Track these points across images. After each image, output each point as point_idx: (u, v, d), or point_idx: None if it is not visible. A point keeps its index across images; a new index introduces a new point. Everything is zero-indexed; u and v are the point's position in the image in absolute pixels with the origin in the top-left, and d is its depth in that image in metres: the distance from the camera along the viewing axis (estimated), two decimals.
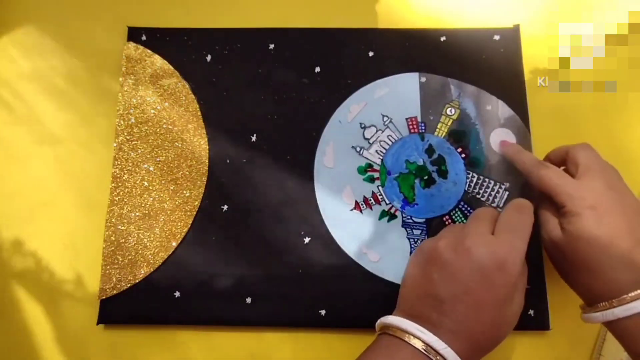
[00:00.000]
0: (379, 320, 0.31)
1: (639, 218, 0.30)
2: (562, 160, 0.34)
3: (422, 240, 0.38)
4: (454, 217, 0.38)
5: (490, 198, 0.39)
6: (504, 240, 0.30)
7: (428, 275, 0.30)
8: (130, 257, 0.38)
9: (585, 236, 0.30)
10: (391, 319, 0.30)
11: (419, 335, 0.28)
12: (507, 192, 0.39)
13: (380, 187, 0.39)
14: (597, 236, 0.29)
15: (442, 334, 0.28)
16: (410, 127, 0.40)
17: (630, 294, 0.28)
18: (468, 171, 0.39)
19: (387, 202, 0.39)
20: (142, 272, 0.38)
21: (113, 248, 0.38)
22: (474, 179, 0.39)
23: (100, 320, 0.37)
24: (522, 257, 0.30)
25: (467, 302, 0.28)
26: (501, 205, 0.38)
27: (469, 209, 0.38)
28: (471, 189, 0.39)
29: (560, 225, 0.31)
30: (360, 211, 0.39)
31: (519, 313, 0.31)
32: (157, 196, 0.39)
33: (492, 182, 0.39)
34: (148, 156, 0.40)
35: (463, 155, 0.39)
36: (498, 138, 0.40)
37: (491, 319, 0.29)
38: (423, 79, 0.41)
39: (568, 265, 0.32)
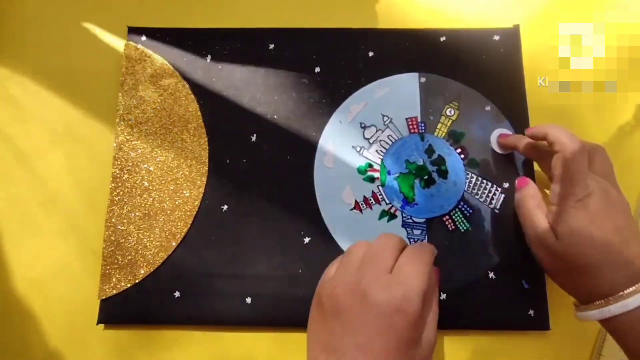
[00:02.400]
0: None
1: (625, 215, 0.31)
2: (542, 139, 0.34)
3: (422, 240, 0.38)
4: (453, 217, 0.38)
5: (488, 199, 0.39)
6: (401, 278, 0.28)
7: (329, 327, 0.29)
8: (130, 257, 0.38)
9: (577, 237, 0.30)
10: None
11: None
12: (503, 195, 0.39)
13: (380, 187, 0.39)
14: (590, 237, 0.30)
15: None
16: (411, 127, 0.40)
17: (626, 291, 0.29)
18: (467, 172, 0.39)
19: (387, 202, 0.39)
20: (142, 272, 0.38)
21: (113, 248, 0.38)
22: (473, 180, 0.39)
23: (100, 320, 0.38)
24: (419, 293, 0.28)
25: (370, 351, 0.27)
26: (498, 206, 0.38)
27: (468, 209, 0.38)
28: (470, 189, 0.39)
29: (552, 227, 0.32)
30: (360, 211, 0.39)
31: (432, 347, 0.30)
32: (157, 196, 0.39)
33: (490, 184, 0.39)
34: (148, 156, 0.40)
35: (462, 156, 0.39)
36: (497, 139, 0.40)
37: None
38: (423, 79, 0.41)
39: (559, 266, 0.32)
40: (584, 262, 0.30)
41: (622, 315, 0.29)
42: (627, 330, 0.29)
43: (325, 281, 0.31)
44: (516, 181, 0.36)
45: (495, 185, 0.39)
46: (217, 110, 0.41)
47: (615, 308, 0.29)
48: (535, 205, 0.33)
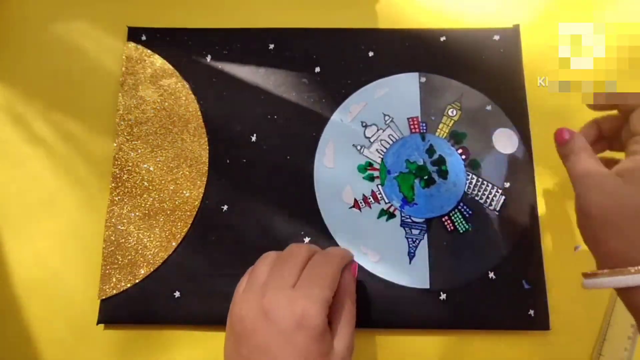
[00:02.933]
0: None
1: None
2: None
3: (421, 240, 0.38)
4: (453, 217, 0.38)
5: (488, 201, 0.39)
6: (302, 293, 0.28)
7: (239, 351, 0.28)
8: (130, 257, 0.38)
9: None
10: None
11: None
12: (503, 197, 0.39)
13: (379, 186, 0.39)
14: None
15: None
16: (412, 127, 0.40)
17: None
18: (468, 172, 0.39)
19: (387, 201, 0.39)
20: (142, 272, 0.38)
21: (113, 248, 0.38)
22: (473, 181, 0.39)
23: (100, 320, 0.38)
24: (322, 304, 0.28)
25: None
26: (498, 208, 0.38)
27: (468, 210, 0.38)
28: (470, 191, 0.39)
29: (620, 172, 0.29)
30: (359, 209, 0.39)
31: (348, 352, 0.29)
32: (157, 196, 0.39)
33: (490, 185, 0.39)
34: (148, 156, 0.40)
35: (463, 157, 0.39)
36: (499, 139, 0.40)
37: None
38: (423, 79, 0.41)
39: (612, 213, 0.28)
40: None
41: None
42: None
43: (235, 301, 0.31)
44: (555, 135, 0.33)
45: (495, 187, 0.39)
46: (217, 110, 0.41)
47: None
48: (590, 155, 0.31)
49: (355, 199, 0.39)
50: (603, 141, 0.34)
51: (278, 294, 0.28)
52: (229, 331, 0.30)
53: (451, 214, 0.38)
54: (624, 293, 0.28)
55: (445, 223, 0.38)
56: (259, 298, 0.28)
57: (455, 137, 0.40)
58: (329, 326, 0.29)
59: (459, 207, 0.38)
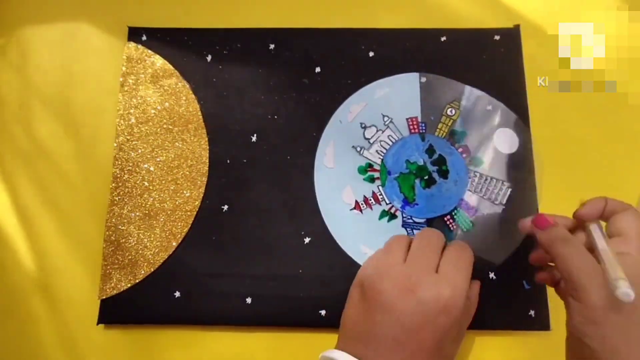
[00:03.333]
0: (322, 355, 0.30)
1: None
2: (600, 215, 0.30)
3: None
4: (455, 216, 0.38)
5: (493, 196, 0.39)
6: (448, 280, 0.29)
7: (371, 317, 0.29)
8: (130, 257, 0.38)
9: None
10: (335, 354, 0.29)
11: None
12: (510, 190, 0.39)
13: (380, 187, 0.39)
14: None
15: None
16: (411, 127, 0.40)
17: None
18: (469, 171, 0.39)
19: (387, 202, 0.39)
20: (143, 272, 0.38)
21: (113, 248, 0.38)
22: (475, 179, 0.39)
23: (100, 320, 0.37)
24: (463, 296, 0.29)
25: (409, 345, 0.28)
26: (504, 202, 0.38)
27: (469, 209, 0.38)
28: (473, 188, 0.39)
29: None
30: (360, 211, 0.39)
31: (459, 347, 0.32)
32: (157, 196, 0.39)
33: (495, 180, 0.39)
34: (148, 156, 0.40)
35: (464, 155, 0.39)
36: (499, 138, 0.40)
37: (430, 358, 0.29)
38: (423, 79, 0.41)
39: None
40: None
41: None
42: None
43: (369, 272, 0.31)
44: (536, 220, 0.31)
45: (501, 181, 0.39)
46: (217, 110, 0.41)
47: None
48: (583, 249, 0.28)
49: (356, 200, 0.39)
50: None
51: (424, 276, 0.29)
52: (358, 297, 0.31)
53: (453, 213, 0.38)
54: None
55: (447, 222, 0.38)
56: (405, 276, 0.30)
57: (455, 136, 0.40)
58: None
59: (461, 206, 0.38)
